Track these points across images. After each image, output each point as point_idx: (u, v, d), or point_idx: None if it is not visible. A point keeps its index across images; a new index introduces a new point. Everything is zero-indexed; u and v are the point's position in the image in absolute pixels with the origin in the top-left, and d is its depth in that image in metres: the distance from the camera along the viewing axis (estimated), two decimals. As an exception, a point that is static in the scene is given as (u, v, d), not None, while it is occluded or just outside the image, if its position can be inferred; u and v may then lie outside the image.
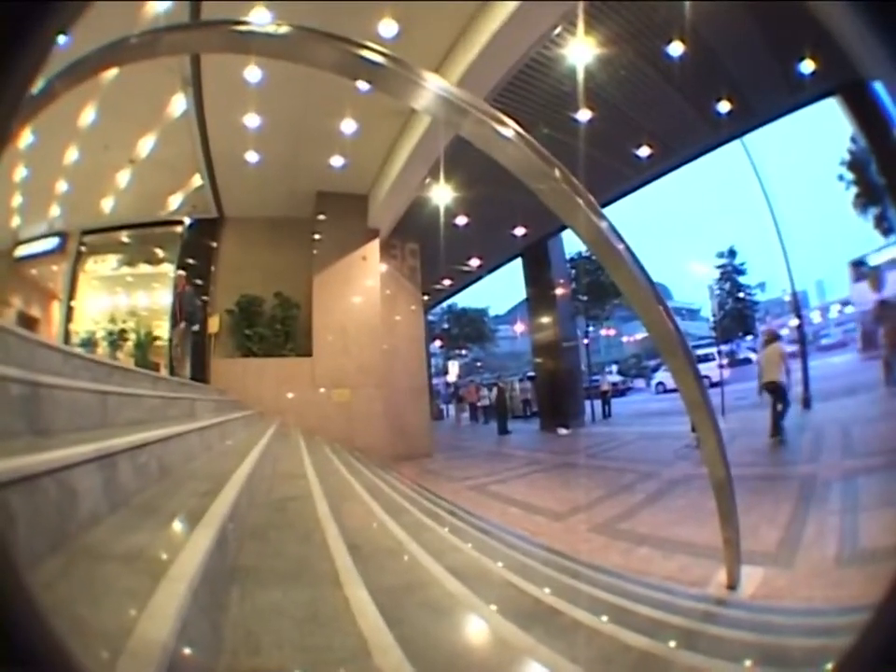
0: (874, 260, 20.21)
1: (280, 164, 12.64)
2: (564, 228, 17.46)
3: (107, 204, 14.32)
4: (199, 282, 14.15)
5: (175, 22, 7.17)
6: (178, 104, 10.71)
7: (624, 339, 52.50)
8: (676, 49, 9.86)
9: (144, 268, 17.39)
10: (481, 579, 2.94)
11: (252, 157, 12.24)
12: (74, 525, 1.63)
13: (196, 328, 11.21)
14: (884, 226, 16.83)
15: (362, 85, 8.15)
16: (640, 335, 45.35)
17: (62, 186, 13.53)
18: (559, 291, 21.00)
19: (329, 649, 1.70)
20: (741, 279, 33.75)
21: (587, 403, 21.42)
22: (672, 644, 2.56)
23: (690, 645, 2.58)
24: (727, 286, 33.37)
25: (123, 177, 13.21)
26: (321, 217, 14.18)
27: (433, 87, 2.81)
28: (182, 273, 11.91)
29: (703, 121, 12.79)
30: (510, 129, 2.84)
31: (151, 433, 2.84)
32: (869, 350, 18.23)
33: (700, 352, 19.16)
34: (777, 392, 9.76)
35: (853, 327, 23.44)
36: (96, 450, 1.92)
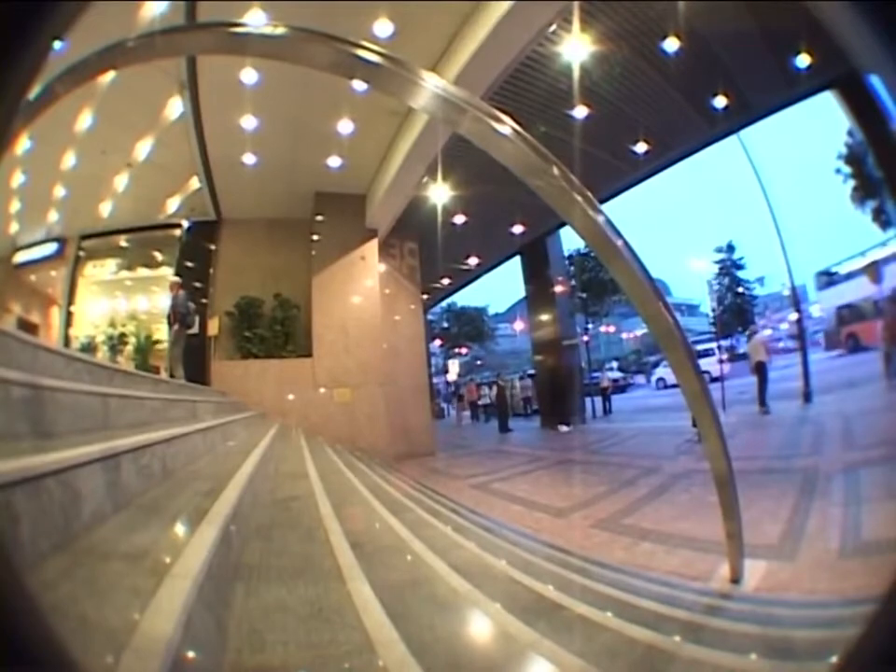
0: (862, 262, 21.32)
1: (277, 166, 12.64)
2: (562, 225, 17.46)
3: (105, 209, 14.33)
4: (198, 284, 14.17)
5: (171, 25, 7.18)
6: (175, 106, 10.72)
7: (624, 335, 52.58)
8: (671, 44, 9.87)
9: (143, 271, 17.39)
10: (484, 575, 2.94)
11: (249, 159, 12.25)
12: (77, 526, 1.64)
13: (192, 330, 11.22)
14: (882, 219, 16.85)
15: (359, 85, 8.22)
16: (640, 331, 45.41)
17: (59, 191, 13.54)
18: (558, 288, 20.98)
19: (333, 645, 1.71)
20: (740, 274, 33.82)
21: (587, 400, 21.43)
22: (676, 638, 2.57)
23: (694, 638, 2.59)
24: (726, 281, 33.42)
25: (121, 181, 13.22)
26: (319, 217, 14.18)
27: (430, 85, 2.81)
28: (175, 277, 11.93)
29: (699, 117, 12.79)
30: (507, 126, 2.85)
31: (153, 434, 2.85)
32: (832, 349, 21.83)
33: (700, 347, 19.23)
34: (761, 371, 12.91)
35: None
36: (99, 451, 1.93)
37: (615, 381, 28.57)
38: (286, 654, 1.62)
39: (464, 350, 40.33)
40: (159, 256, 16.84)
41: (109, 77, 8.21)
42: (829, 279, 24.13)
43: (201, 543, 1.78)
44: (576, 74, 10.00)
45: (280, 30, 2.90)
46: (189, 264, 14.56)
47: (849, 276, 22.02)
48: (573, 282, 23.56)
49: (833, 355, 21.09)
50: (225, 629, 1.67)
